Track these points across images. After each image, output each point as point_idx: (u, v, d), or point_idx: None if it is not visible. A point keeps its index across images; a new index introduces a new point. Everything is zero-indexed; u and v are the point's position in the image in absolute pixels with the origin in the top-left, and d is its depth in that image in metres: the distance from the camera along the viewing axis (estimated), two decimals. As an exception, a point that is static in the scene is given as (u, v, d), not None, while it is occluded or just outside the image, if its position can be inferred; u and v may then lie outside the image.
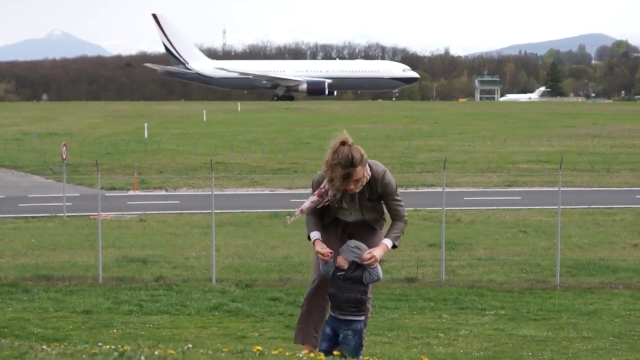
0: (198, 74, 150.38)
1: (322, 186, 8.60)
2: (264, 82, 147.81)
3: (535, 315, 19.54)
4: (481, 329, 18.17)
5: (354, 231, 8.94)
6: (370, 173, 8.55)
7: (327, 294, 8.77)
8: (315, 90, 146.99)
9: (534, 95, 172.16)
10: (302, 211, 8.73)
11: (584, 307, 20.17)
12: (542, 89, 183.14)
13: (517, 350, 16.40)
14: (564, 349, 16.55)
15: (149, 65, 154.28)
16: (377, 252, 8.53)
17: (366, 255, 8.43)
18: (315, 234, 8.78)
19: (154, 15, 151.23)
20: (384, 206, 9.01)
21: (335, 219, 8.93)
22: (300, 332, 9.67)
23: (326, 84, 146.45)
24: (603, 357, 15.64)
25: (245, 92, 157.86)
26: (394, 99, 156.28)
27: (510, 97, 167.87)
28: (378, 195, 8.72)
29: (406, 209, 8.82)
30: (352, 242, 8.54)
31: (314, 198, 8.64)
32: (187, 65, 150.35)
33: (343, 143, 8.40)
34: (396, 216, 8.89)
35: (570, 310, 19.95)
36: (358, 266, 8.43)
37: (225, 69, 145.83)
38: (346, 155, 8.32)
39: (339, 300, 8.49)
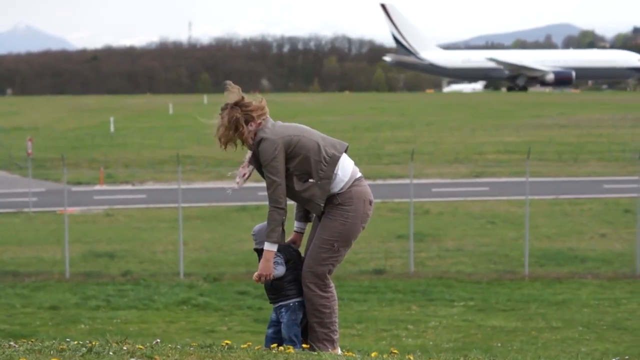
0: (431, 64, 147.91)
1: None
2: (506, 72, 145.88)
3: (504, 305, 19.62)
4: (450, 320, 18.22)
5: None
6: (252, 132, 7.23)
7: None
8: (563, 80, 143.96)
9: (478, 86, 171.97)
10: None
11: (553, 297, 20.26)
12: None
13: (487, 340, 16.46)
14: (533, 339, 16.64)
15: (386, 58, 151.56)
16: (259, 268, 6.92)
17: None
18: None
19: (383, 6, 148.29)
20: (313, 170, 6.94)
21: None
22: None
23: (573, 75, 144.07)
24: (572, 347, 15.72)
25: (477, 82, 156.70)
26: (628, 88, 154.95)
27: (455, 87, 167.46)
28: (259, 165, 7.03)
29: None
30: (256, 227, 7.07)
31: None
32: (418, 55, 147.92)
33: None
34: None
35: (539, 300, 20.03)
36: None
37: (496, 60, 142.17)
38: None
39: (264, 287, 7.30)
